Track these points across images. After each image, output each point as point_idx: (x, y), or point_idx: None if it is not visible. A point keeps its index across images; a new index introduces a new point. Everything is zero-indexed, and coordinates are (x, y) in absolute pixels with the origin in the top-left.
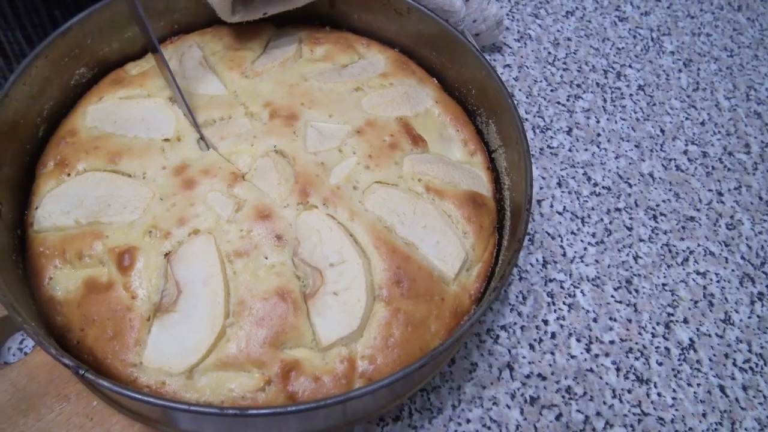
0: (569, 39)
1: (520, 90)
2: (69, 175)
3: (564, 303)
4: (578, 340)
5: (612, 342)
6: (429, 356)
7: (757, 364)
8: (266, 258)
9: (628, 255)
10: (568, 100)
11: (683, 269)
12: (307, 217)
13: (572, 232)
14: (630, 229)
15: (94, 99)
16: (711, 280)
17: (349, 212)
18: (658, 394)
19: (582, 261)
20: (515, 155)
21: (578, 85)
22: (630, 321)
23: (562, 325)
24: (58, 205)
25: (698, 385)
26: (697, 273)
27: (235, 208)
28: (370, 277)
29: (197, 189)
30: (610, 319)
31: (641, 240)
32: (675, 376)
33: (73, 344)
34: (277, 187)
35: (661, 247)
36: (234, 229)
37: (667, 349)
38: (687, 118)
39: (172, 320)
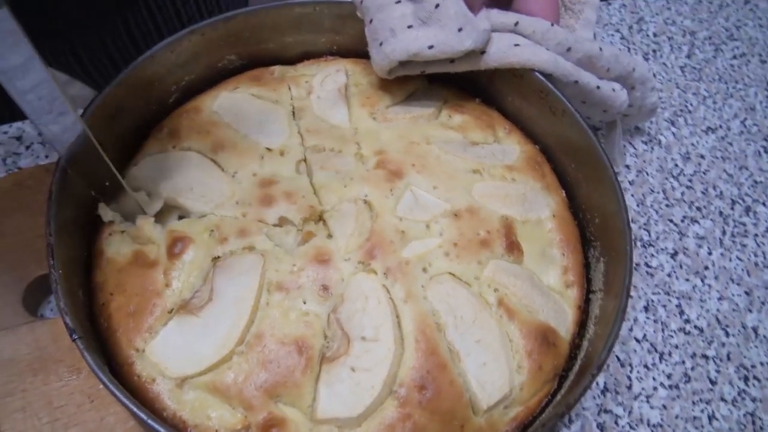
0: (702, 156)
1: (632, 195)
2: (174, 147)
3: None
4: None
5: None
6: None
7: None
8: (304, 303)
9: (702, 412)
10: (682, 221)
11: None
12: (362, 279)
13: (645, 366)
14: (713, 383)
15: (230, 87)
16: None
17: (407, 292)
18: None
19: (647, 401)
20: (611, 308)
21: (698, 209)
22: None
23: None
24: (151, 170)
25: None
26: None
27: (299, 241)
28: (395, 369)
29: (272, 208)
30: None
31: (723, 399)
32: None
33: (99, 304)
34: (348, 237)
35: (745, 415)
36: (287, 261)
37: None
38: None
39: (191, 323)
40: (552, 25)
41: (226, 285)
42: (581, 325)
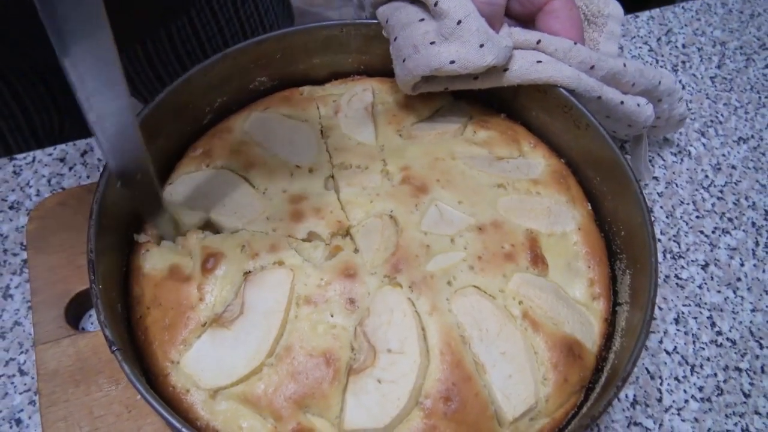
0: (734, 167)
1: (661, 207)
2: (208, 166)
3: None
4: None
5: None
6: None
7: None
8: (332, 316)
9: (736, 425)
10: (713, 232)
11: None
12: (388, 292)
13: (676, 378)
14: (747, 396)
15: (261, 107)
16: None
17: (431, 306)
18: None
19: (678, 414)
20: (636, 320)
21: (730, 219)
22: None
23: None
24: (186, 188)
25: None
26: None
27: (327, 256)
28: (421, 380)
29: (302, 224)
30: None
31: (757, 413)
32: None
33: (137, 317)
34: (374, 251)
35: None
36: (315, 276)
37: None
38: None
39: (223, 336)
40: (575, 44)
41: (256, 299)
42: (608, 337)
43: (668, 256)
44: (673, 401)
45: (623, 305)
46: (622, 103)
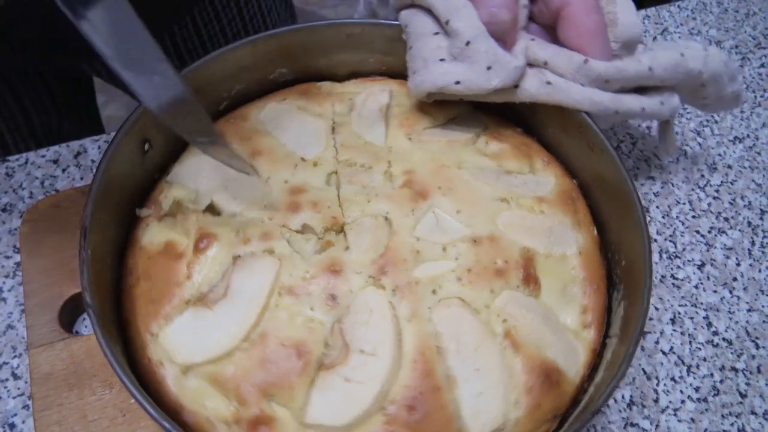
0: (729, 167)
1: (657, 207)
2: None
3: None
4: None
5: None
6: None
7: None
8: (311, 309)
9: (732, 425)
10: (709, 231)
11: None
12: (370, 293)
13: (673, 379)
14: (743, 396)
15: (278, 98)
16: None
17: (412, 312)
18: None
19: (675, 415)
20: (621, 352)
21: (726, 219)
22: None
23: None
24: (193, 168)
25: None
26: None
27: (317, 250)
28: (389, 385)
29: (297, 215)
30: None
31: (754, 413)
32: None
33: (127, 286)
34: (363, 251)
35: None
36: (301, 268)
37: None
38: None
39: (204, 316)
40: (586, 61)
41: (241, 283)
42: (594, 368)
43: (664, 256)
44: (670, 402)
45: (613, 338)
46: (643, 109)
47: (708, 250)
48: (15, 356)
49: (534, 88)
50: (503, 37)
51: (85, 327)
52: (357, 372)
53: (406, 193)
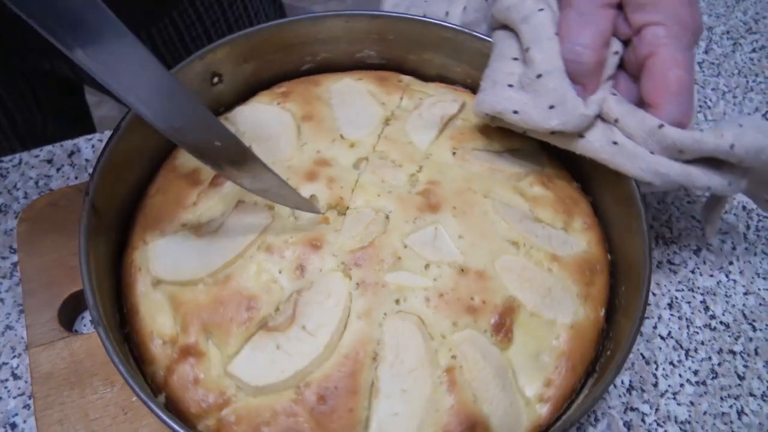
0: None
1: (653, 193)
2: (279, 104)
3: None
4: None
5: None
6: None
7: None
8: (279, 272)
9: (731, 407)
10: None
11: None
12: (335, 278)
13: (671, 363)
14: (742, 378)
15: (356, 77)
16: None
17: (366, 311)
18: None
19: (674, 398)
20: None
21: None
22: None
23: None
24: (252, 114)
25: None
26: None
27: (312, 221)
28: (312, 368)
29: (310, 184)
30: None
31: (752, 395)
32: None
33: (147, 197)
34: (349, 237)
35: None
36: (288, 232)
37: None
38: None
39: (192, 242)
40: (660, 126)
41: (233, 226)
42: None
43: (660, 242)
44: (669, 386)
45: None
46: (709, 188)
47: (704, 236)
48: (14, 356)
49: (597, 143)
50: (582, 80)
51: (85, 326)
52: (290, 344)
53: (418, 201)
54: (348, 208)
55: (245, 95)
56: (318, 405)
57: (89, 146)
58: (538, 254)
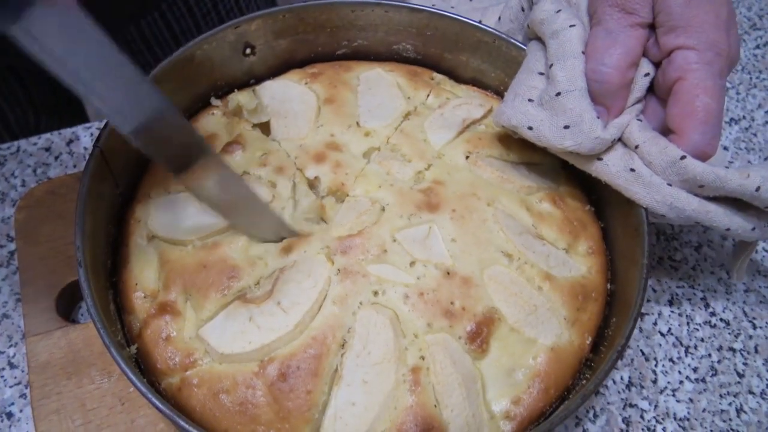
0: (726, 148)
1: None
2: (306, 84)
3: None
4: None
5: None
6: None
7: None
8: (266, 250)
9: (730, 405)
10: None
11: None
12: (317, 261)
13: (671, 360)
14: (741, 375)
15: (388, 68)
16: None
17: (341, 298)
18: None
19: (673, 395)
20: None
21: None
22: None
23: None
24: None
25: None
26: None
27: (312, 205)
28: (279, 345)
29: (316, 166)
30: None
31: (751, 392)
32: None
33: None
34: (344, 223)
35: None
36: (288, 209)
37: None
38: None
39: (190, 204)
40: (683, 158)
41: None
42: None
43: (662, 238)
44: (668, 382)
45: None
46: (728, 230)
47: (705, 231)
48: (11, 345)
49: (614, 168)
50: (605, 101)
51: (82, 315)
52: (262, 318)
53: (418, 198)
54: (348, 195)
55: (277, 71)
56: (278, 381)
57: (87, 134)
58: (531, 270)
